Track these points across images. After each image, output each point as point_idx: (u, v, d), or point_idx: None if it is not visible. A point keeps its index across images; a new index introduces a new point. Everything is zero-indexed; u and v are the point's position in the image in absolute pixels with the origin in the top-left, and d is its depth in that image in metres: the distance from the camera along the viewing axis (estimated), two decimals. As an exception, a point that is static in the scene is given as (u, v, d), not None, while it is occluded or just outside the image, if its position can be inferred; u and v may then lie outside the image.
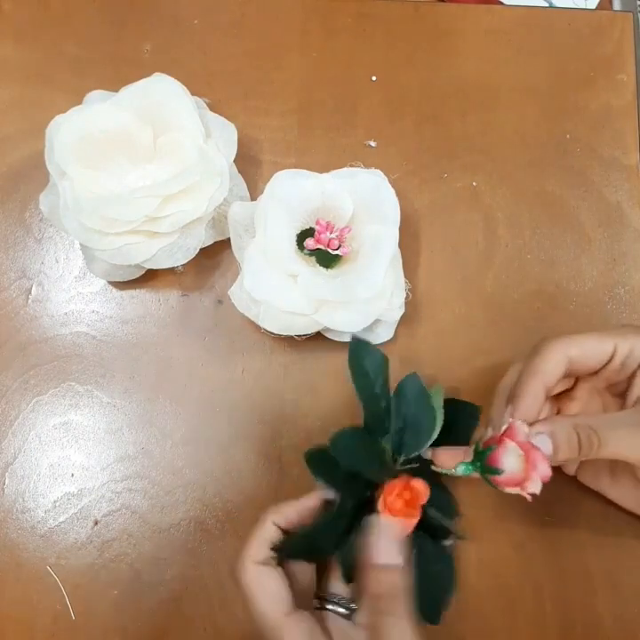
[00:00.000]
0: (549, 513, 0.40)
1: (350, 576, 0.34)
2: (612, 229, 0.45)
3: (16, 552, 0.41)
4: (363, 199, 0.41)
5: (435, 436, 0.35)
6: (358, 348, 0.36)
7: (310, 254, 0.41)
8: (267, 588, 0.33)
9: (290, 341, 0.42)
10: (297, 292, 0.39)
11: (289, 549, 0.34)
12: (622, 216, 0.46)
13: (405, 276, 0.42)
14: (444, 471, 0.34)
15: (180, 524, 0.41)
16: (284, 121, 0.47)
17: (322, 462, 0.36)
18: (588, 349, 0.35)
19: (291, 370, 0.43)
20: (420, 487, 0.33)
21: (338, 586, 0.35)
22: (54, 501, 0.41)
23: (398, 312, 0.42)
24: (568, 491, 0.40)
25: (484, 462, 0.32)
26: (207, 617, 0.40)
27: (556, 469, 0.39)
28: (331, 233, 0.41)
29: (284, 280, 0.40)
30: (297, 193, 0.41)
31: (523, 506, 0.40)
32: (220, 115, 0.44)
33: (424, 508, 0.33)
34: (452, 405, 0.36)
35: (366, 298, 0.39)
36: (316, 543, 0.35)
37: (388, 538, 0.32)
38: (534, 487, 0.31)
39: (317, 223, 0.41)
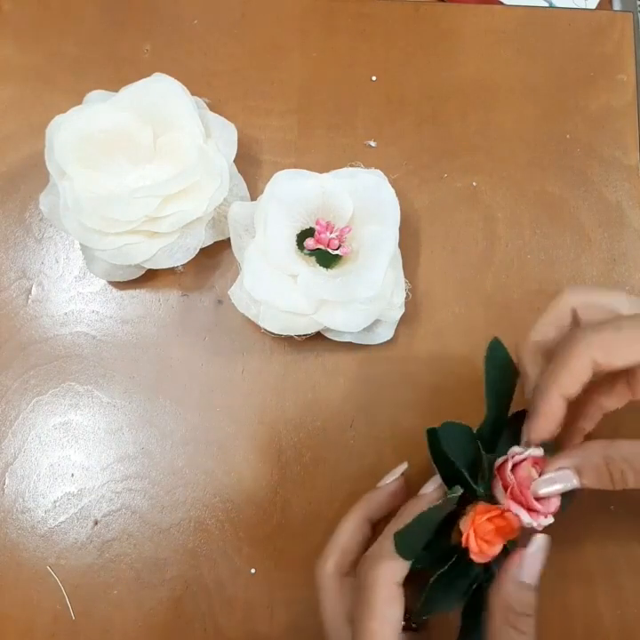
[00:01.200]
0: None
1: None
2: (612, 229, 0.45)
3: (16, 552, 0.41)
4: (363, 199, 0.41)
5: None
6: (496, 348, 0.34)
7: (310, 254, 0.41)
8: (341, 599, 0.33)
9: (290, 341, 0.42)
10: (297, 292, 0.39)
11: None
12: (622, 216, 0.46)
13: (405, 276, 0.42)
14: None
15: (180, 523, 0.41)
16: (283, 121, 0.47)
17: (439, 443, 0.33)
18: (619, 355, 0.29)
19: (291, 370, 0.43)
20: (515, 520, 0.31)
21: None
22: (54, 501, 0.41)
23: (398, 312, 0.42)
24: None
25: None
26: (207, 617, 0.40)
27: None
28: (331, 233, 0.41)
29: (284, 280, 0.40)
30: (297, 193, 0.41)
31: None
32: (220, 115, 0.44)
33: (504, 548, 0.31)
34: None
35: (366, 298, 0.39)
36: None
37: (541, 560, 0.30)
38: (525, 521, 0.30)
39: (317, 223, 0.41)
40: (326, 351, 0.43)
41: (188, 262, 0.41)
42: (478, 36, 0.49)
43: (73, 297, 0.44)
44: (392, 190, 0.41)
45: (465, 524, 0.31)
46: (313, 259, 0.41)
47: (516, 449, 0.32)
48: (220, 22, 0.49)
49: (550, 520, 0.31)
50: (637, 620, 0.39)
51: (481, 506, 0.31)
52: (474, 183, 0.46)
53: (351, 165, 0.43)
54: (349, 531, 0.34)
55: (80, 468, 0.42)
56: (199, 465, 0.42)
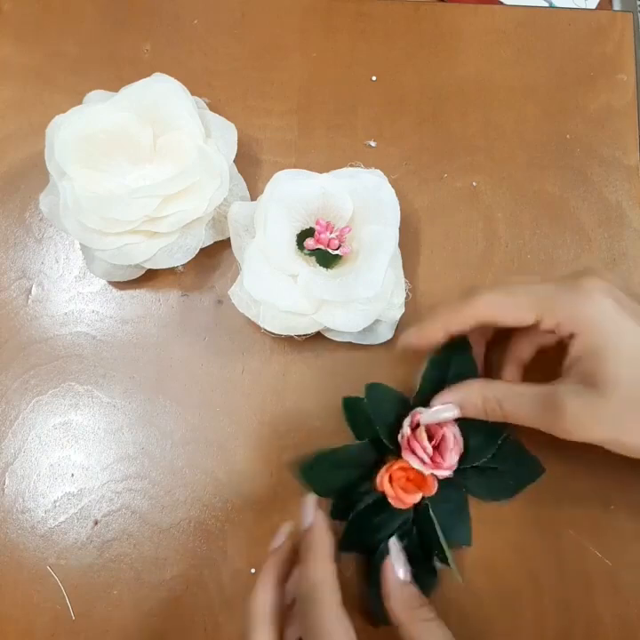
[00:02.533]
0: (549, 513, 0.40)
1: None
2: (612, 229, 0.45)
3: (16, 552, 0.41)
4: (363, 199, 0.41)
5: None
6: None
7: (310, 254, 0.41)
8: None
9: (290, 341, 0.42)
10: (297, 292, 0.39)
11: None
12: (622, 216, 0.46)
13: (405, 276, 0.42)
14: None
15: (180, 524, 0.41)
16: (283, 121, 0.47)
17: (357, 413, 0.39)
18: (502, 315, 0.35)
19: (291, 370, 0.43)
20: (428, 476, 0.36)
21: None
22: (54, 501, 0.41)
23: (398, 312, 0.42)
24: (568, 490, 0.40)
25: None
26: (207, 617, 0.40)
27: (559, 469, 0.39)
28: (331, 233, 0.41)
29: (284, 280, 0.40)
30: (297, 193, 0.41)
31: (522, 506, 0.40)
32: (220, 115, 0.44)
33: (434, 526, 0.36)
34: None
35: (366, 298, 0.39)
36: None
37: (403, 558, 0.36)
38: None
39: (317, 223, 0.41)
40: (326, 351, 0.43)
41: (188, 262, 0.41)
42: (478, 35, 0.49)
43: (73, 297, 0.44)
44: (392, 190, 0.41)
45: (381, 473, 0.37)
46: (313, 259, 0.41)
47: (419, 409, 0.37)
48: (220, 22, 0.49)
49: (447, 473, 0.36)
50: (637, 619, 0.39)
51: (399, 460, 0.37)
52: (474, 183, 0.46)
53: (351, 165, 0.43)
54: (270, 601, 0.33)
55: (80, 467, 0.42)
56: (199, 465, 0.42)
